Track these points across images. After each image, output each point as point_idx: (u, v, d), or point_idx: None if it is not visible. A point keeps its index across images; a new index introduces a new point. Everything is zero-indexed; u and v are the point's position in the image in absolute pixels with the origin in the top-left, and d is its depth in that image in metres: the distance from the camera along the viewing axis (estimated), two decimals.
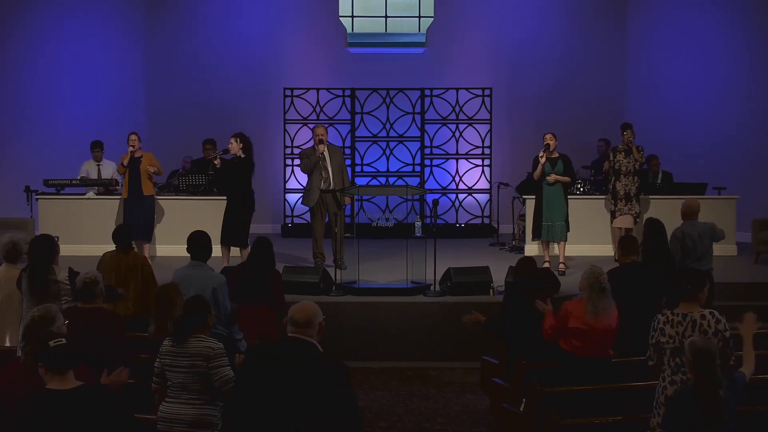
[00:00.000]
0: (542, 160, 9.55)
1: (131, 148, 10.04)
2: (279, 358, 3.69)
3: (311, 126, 13.38)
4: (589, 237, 10.52)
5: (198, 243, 6.15)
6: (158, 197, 11.01)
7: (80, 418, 3.59)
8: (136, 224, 10.03)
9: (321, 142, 9.61)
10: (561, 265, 9.53)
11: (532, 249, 10.67)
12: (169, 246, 10.79)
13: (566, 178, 9.61)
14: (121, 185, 10.69)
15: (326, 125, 10.23)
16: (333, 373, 3.66)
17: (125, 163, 10.08)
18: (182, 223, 10.90)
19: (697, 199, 8.17)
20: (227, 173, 9.58)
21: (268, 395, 3.61)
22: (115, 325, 5.35)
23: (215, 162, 9.66)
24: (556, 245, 9.80)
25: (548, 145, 9.58)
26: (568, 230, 9.62)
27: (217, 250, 9.99)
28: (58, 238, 6.57)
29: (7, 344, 6.36)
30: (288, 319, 3.82)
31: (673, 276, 5.08)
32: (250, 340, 6.13)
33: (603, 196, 10.73)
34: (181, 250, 10.58)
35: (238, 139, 9.50)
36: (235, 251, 9.67)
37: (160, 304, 5.52)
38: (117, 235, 7.11)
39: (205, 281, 5.86)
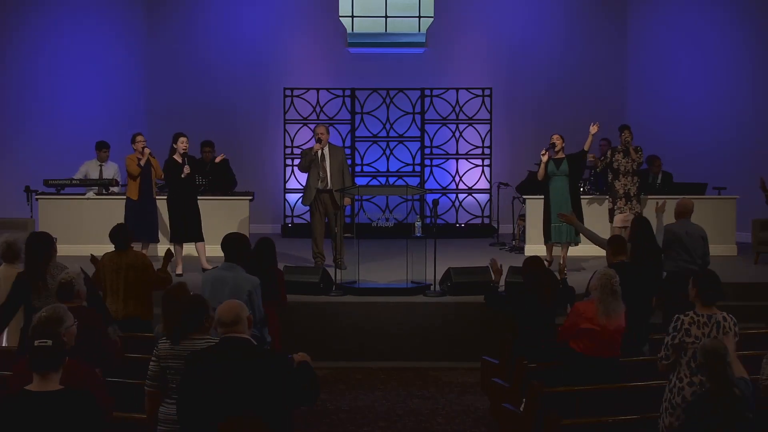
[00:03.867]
0: (544, 159, 9.66)
1: (148, 150, 9.80)
2: (218, 360, 3.77)
3: (311, 126, 13.43)
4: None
5: (233, 244, 6.03)
6: (158, 197, 11.01)
7: (58, 421, 3.53)
8: (146, 227, 9.96)
9: (319, 141, 9.61)
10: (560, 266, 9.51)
11: (531, 249, 10.66)
12: (168, 246, 10.79)
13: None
14: (122, 186, 10.66)
15: (327, 125, 10.18)
16: (274, 362, 3.79)
17: (143, 163, 9.82)
18: None
19: (691, 199, 8.18)
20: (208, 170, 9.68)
21: (214, 399, 3.68)
22: (96, 322, 5.30)
23: (185, 173, 9.50)
24: (559, 247, 9.79)
25: (553, 144, 9.67)
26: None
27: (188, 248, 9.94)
28: (56, 238, 6.54)
29: (5, 344, 6.36)
30: (216, 322, 3.91)
31: (701, 278, 5.09)
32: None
33: (603, 196, 10.73)
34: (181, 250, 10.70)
35: (186, 139, 9.54)
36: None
37: (169, 304, 5.45)
38: (115, 235, 6.93)
39: (240, 283, 5.76)
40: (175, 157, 9.49)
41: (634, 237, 7.42)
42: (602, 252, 10.16)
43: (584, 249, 10.25)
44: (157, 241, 10.21)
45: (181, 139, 9.49)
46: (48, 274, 6.03)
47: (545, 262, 9.50)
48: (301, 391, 3.84)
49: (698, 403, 4.18)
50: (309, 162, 9.65)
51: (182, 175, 9.43)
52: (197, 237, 9.67)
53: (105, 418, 4.17)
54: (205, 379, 3.71)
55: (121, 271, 6.77)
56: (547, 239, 9.81)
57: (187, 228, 9.54)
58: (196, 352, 4.15)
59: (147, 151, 9.81)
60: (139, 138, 9.92)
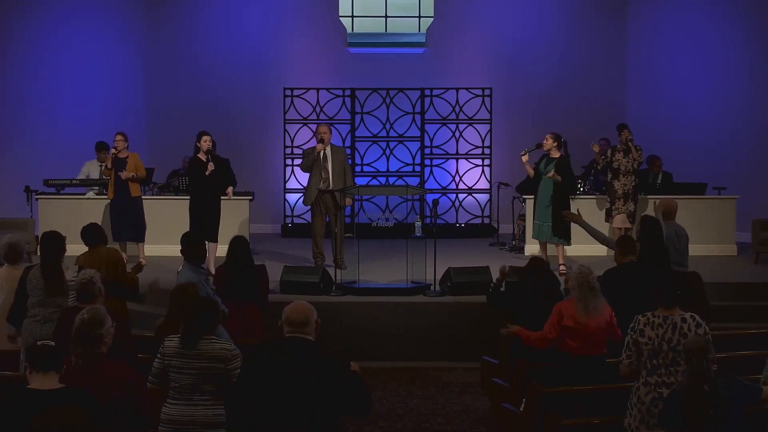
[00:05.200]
0: (524, 159, 9.75)
1: (114, 150, 9.94)
2: (281, 358, 3.72)
3: (312, 126, 13.43)
4: (588, 236, 10.53)
5: (182, 243, 6.23)
6: (158, 197, 11.03)
7: (57, 419, 3.58)
8: (126, 226, 10.01)
9: (321, 141, 9.60)
10: (561, 267, 9.52)
11: (532, 249, 10.67)
12: (169, 246, 10.79)
13: (557, 177, 9.55)
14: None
15: (329, 125, 10.16)
16: (336, 367, 3.75)
17: (109, 165, 9.97)
18: (182, 223, 10.91)
19: (675, 200, 8.16)
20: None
21: (272, 395, 3.64)
22: (121, 323, 5.31)
23: (210, 167, 9.52)
24: (554, 246, 9.81)
25: (540, 144, 9.70)
26: (560, 233, 9.55)
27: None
28: (66, 237, 6.56)
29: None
30: (284, 320, 3.84)
31: (663, 279, 5.09)
32: (240, 339, 6.12)
33: (603, 196, 10.73)
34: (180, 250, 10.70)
35: (210, 137, 9.57)
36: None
37: (177, 302, 5.45)
38: (85, 234, 6.96)
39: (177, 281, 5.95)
40: (199, 155, 9.49)
41: (643, 236, 7.40)
42: (602, 251, 10.27)
43: (585, 249, 10.26)
44: (141, 240, 10.18)
45: (204, 137, 9.49)
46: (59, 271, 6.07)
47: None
48: (354, 400, 3.81)
49: (675, 396, 4.26)
50: (311, 163, 9.64)
51: (206, 173, 9.39)
52: (210, 237, 9.49)
53: (149, 421, 4.20)
54: (266, 376, 3.67)
55: (100, 268, 6.70)
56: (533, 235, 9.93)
57: (202, 227, 9.37)
58: (259, 347, 4.15)
59: (113, 150, 9.95)
60: (115, 138, 10.05)
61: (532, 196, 10.08)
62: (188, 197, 10.90)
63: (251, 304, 6.81)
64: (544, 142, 9.72)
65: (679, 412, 4.15)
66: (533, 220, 9.86)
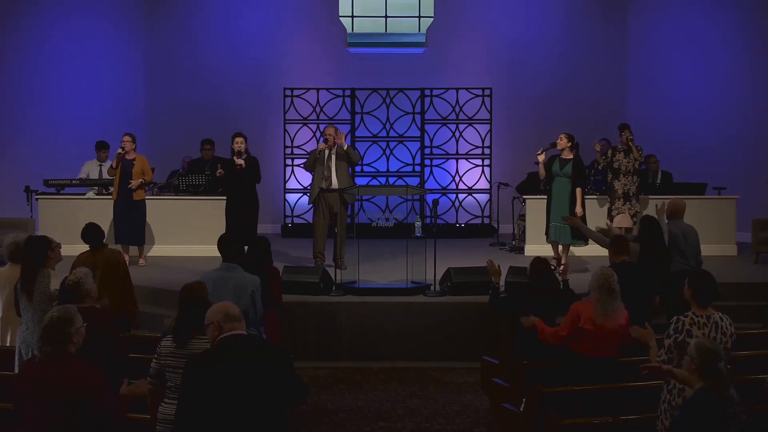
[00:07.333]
0: (540, 159, 9.61)
1: (120, 150, 9.88)
2: (235, 357, 3.74)
3: (311, 126, 13.44)
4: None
5: (231, 244, 6.08)
6: (158, 197, 11.02)
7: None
8: (127, 228, 9.97)
9: (325, 141, 9.61)
10: (561, 267, 9.50)
11: (531, 249, 10.67)
12: (169, 246, 10.81)
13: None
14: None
15: (336, 127, 10.09)
16: (281, 356, 3.81)
17: (115, 165, 9.93)
18: (182, 223, 10.94)
19: (683, 199, 8.15)
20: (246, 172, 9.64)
21: (229, 396, 3.65)
22: (108, 323, 5.29)
23: (238, 163, 9.52)
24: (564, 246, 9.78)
25: (554, 144, 9.60)
26: (579, 235, 9.45)
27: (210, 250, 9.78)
28: (60, 245, 6.49)
29: (8, 344, 6.37)
30: (222, 318, 3.87)
31: (697, 279, 5.06)
32: None
33: (604, 196, 10.73)
34: (180, 250, 10.73)
35: (243, 139, 9.56)
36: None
37: (186, 302, 5.40)
38: (86, 234, 6.88)
39: (244, 283, 5.73)
40: (234, 157, 9.55)
41: (642, 236, 7.40)
42: (603, 251, 10.26)
43: (588, 249, 10.26)
44: (141, 243, 10.15)
45: (237, 139, 9.60)
46: (38, 279, 5.99)
47: (554, 260, 9.53)
48: (297, 388, 3.84)
49: (694, 403, 4.16)
50: (313, 161, 9.67)
51: (237, 167, 9.46)
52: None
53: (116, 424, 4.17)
54: (222, 376, 3.67)
55: (97, 269, 6.55)
56: (547, 238, 9.79)
57: (241, 227, 9.34)
58: (204, 352, 4.13)
59: (119, 151, 9.90)
60: (123, 138, 10.00)
61: (535, 197, 10.03)
62: (187, 197, 10.99)
63: (270, 311, 6.68)
64: (558, 141, 9.56)
65: (702, 419, 4.03)
66: (549, 222, 9.64)
